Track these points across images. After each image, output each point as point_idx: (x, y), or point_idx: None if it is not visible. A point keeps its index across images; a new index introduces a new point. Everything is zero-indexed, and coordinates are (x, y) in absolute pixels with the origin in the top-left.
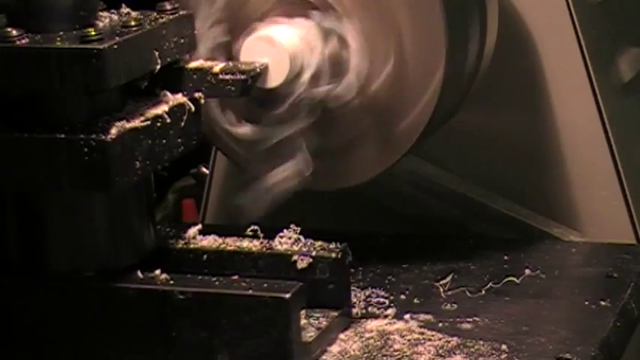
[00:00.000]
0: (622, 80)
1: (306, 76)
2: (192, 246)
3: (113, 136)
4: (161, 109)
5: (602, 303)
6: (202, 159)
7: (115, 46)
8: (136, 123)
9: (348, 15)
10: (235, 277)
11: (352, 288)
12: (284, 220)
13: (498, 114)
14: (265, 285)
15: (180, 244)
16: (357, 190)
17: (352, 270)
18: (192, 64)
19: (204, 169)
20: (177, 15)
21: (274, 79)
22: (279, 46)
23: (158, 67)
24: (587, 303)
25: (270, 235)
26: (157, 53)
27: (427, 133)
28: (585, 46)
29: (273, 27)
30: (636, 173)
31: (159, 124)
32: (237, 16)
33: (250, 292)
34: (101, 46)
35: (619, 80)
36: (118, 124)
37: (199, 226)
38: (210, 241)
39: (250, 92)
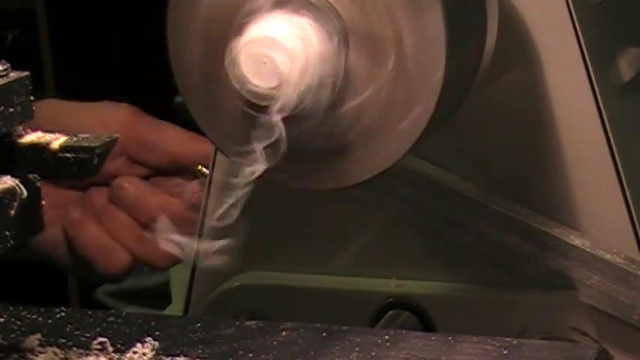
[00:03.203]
0: (622, 80)
1: (304, 77)
2: None
3: None
4: None
5: None
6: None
7: None
8: None
9: (349, 15)
10: None
11: None
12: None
13: (498, 113)
14: None
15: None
16: (356, 190)
17: None
18: (27, 139)
19: (204, 169)
20: (5, 78)
21: (273, 79)
22: (278, 46)
23: None
24: None
25: (122, 348)
26: None
27: (427, 133)
28: (585, 46)
29: (272, 26)
30: (636, 173)
31: None
32: (235, 15)
33: None
34: None
35: (619, 80)
36: None
37: (38, 335)
38: (49, 357)
39: (98, 172)
